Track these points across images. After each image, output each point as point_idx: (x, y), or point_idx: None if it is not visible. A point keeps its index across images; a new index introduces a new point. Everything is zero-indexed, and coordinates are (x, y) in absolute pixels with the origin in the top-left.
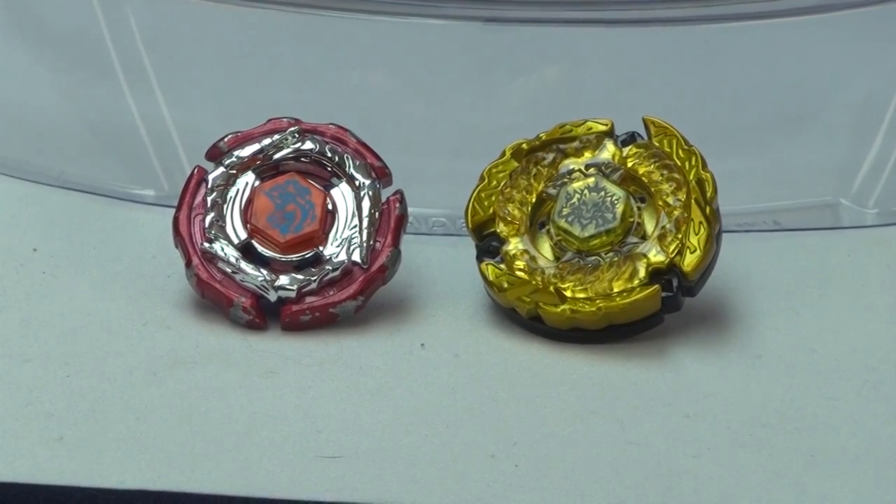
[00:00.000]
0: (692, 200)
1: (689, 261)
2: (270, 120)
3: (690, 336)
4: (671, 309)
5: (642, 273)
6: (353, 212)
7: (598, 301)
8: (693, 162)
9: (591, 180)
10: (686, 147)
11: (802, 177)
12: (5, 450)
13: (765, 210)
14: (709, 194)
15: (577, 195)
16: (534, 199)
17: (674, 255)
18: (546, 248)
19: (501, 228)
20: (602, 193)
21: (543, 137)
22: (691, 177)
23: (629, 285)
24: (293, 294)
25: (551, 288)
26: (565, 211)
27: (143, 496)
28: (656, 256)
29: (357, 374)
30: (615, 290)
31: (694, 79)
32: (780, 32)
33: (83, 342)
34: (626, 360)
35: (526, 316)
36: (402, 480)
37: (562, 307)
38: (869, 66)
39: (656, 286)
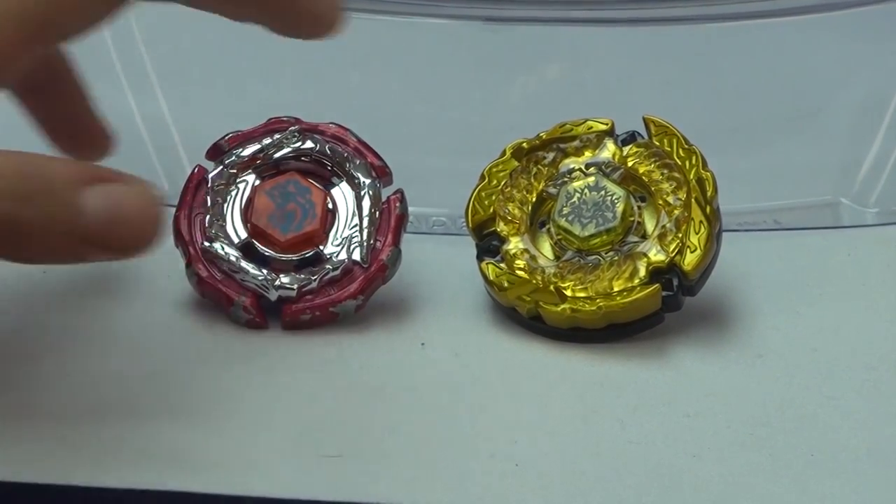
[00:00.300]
0: (692, 199)
1: (690, 260)
2: (271, 119)
3: (691, 335)
4: (671, 308)
5: (643, 272)
6: (354, 211)
7: (598, 300)
8: (693, 161)
9: (591, 179)
10: (686, 146)
11: (803, 176)
12: (5, 450)
13: (765, 209)
14: (709, 193)
15: (578, 194)
16: (534, 199)
17: (674, 254)
18: (546, 248)
19: (502, 228)
20: (602, 192)
21: (544, 137)
22: (691, 176)
23: (629, 284)
24: (293, 293)
25: (551, 287)
26: (566, 210)
27: (144, 495)
28: (657, 255)
29: (357, 374)
30: (615, 289)
31: (694, 78)
32: (780, 32)
33: (84, 342)
34: (627, 359)
35: (526, 315)
36: (402, 480)
37: (562, 306)
38: (869, 66)
39: (657, 285)
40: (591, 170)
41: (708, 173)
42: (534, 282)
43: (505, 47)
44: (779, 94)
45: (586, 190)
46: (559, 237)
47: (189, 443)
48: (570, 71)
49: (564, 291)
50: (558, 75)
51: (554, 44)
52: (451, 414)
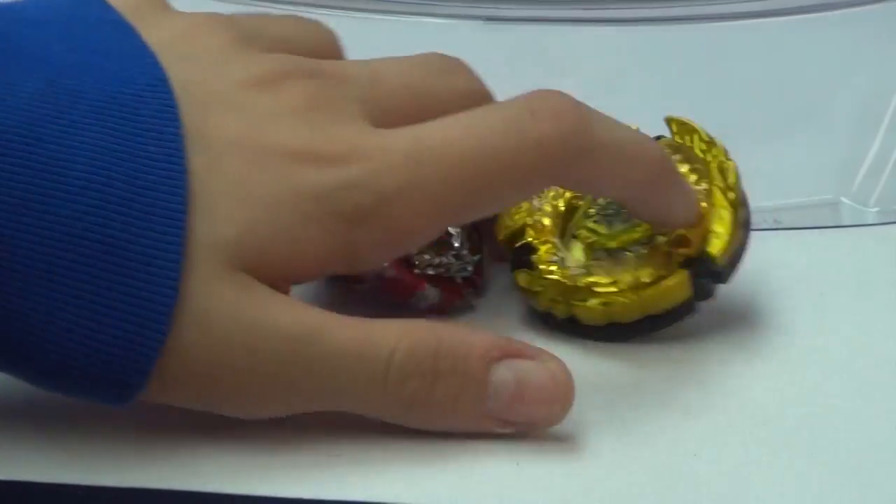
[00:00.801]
0: (715, 188)
1: (716, 245)
2: None
3: (690, 336)
4: (703, 296)
5: (672, 262)
6: (462, 243)
7: (628, 292)
8: (714, 153)
9: None
10: (707, 139)
11: (803, 175)
12: (6, 449)
13: (765, 208)
14: (730, 181)
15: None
16: (563, 207)
17: (701, 242)
18: (577, 252)
19: (532, 237)
20: None
21: None
22: (713, 166)
23: (659, 273)
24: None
25: (581, 284)
26: (591, 212)
27: (145, 495)
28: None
29: None
30: (645, 279)
31: (694, 78)
32: (780, 32)
33: None
34: (627, 359)
35: (562, 317)
36: (402, 480)
37: (593, 301)
38: (869, 66)
39: (685, 271)
40: None
41: (730, 163)
42: (564, 282)
43: (505, 47)
44: (779, 93)
45: None
46: (588, 240)
47: (189, 443)
48: (571, 71)
49: (595, 288)
50: (558, 75)
51: (554, 44)
52: None
